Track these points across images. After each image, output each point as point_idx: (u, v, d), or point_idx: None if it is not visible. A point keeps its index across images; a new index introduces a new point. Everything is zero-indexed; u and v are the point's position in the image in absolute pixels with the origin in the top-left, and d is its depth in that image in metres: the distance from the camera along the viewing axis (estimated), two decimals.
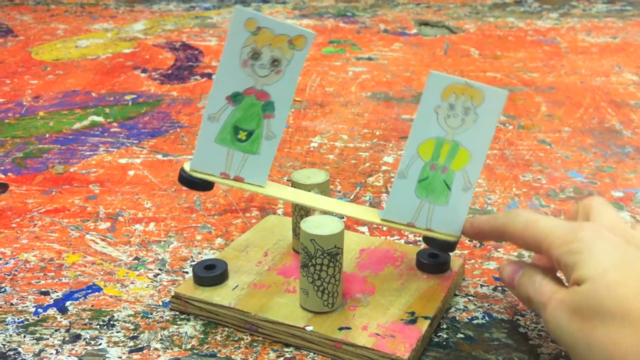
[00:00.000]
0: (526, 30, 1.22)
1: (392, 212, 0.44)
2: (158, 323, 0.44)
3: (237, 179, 0.43)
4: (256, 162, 0.43)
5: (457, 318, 0.45)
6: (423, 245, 0.53)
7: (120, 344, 0.42)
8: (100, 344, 0.42)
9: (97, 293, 0.47)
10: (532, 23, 1.28)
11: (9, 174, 0.65)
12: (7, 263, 0.51)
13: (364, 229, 0.55)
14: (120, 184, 0.63)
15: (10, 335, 0.43)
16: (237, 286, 0.45)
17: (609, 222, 0.38)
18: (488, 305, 0.46)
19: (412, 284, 0.45)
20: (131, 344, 0.42)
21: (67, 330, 0.43)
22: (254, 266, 0.47)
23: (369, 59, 1.04)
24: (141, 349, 0.42)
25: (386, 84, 0.92)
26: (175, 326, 0.44)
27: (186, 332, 0.43)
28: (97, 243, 0.53)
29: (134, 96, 0.87)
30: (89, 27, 1.25)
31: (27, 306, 0.46)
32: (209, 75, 0.95)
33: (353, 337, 0.40)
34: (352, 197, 0.61)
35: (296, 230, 0.49)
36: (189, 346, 0.42)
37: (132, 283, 0.48)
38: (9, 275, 0.49)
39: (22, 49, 1.10)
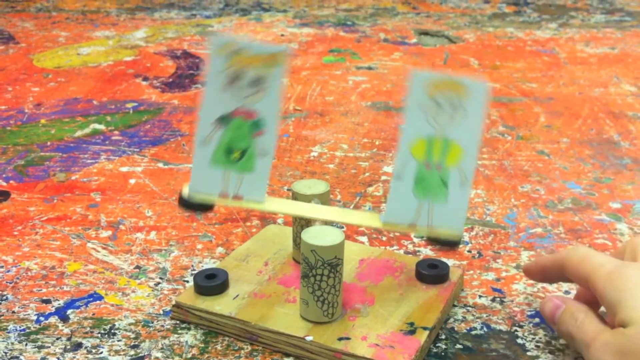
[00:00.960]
0: (525, 40, 1.23)
1: (393, 215, 0.44)
2: (159, 332, 0.44)
3: (236, 197, 0.44)
4: (253, 180, 0.43)
5: (456, 329, 0.45)
6: (422, 256, 0.53)
7: (121, 353, 0.42)
8: (102, 353, 0.42)
9: (98, 301, 0.47)
10: (531, 33, 1.28)
11: (11, 181, 0.66)
12: (9, 271, 0.51)
13: (364, 239, 0.56)
14: (121, 192, 0.64)
15: (12, 343, 0.43)
16: (237, 295, 0.45)
17: None
18: (486, 316, 0.46)
19: (411, 295, 0.46)
20: (132, 352, 0.42)
21: (69, 339, 0.43)
22: (255, 275, 0.48)
23: (369, 68, 1.05)
24: (142, 358, 0.42)
25: (386, 93, 0.93)
26: (176, 335, 0.44)
27: (187, 341, 0.43)
28: (98, 251, 0.54)
29: (135, 104, 0.88)
30: (91, 35, 1.25)
31: (28, 314, 0.46)
32: None
33: (352, 347, 0.40)
34: (352, 207, 0.61)
35: (297, 240, 0.49)
36: (189, 355, 0.42)
37: (133, 292, 0.49)
38: (10, 283, 0.49)
39: (24, 56, 1.10)
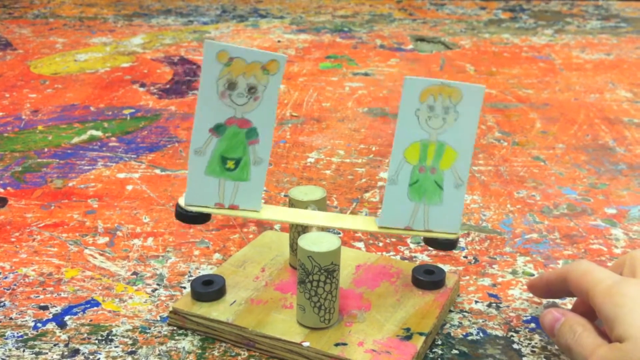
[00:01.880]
0: (521, 46, 1.24)
1: (388, 218, 0.44)
2: (156, 338, 0.44)
3: (232, 207, 0.44)
4: (248, 188, 0.43)
5: (452, 334, 0.45)
6: (419, 262, 0.53)
7: (119, 359, 0.42)
8: (99, 359, 0.42)
9: (95, 308, 0.48)
10: (527, 39, 1.29)
11: (8, 188, 0.66)
12: (6, 277, 0.51)
13: (360, 244, 0.56)
14: (118, 198, 0.64)
15: (10, 350, 0.43)
16: (234, 302, 0.45)
17: None
18: (482, 322, 0.46)
19: (407, 300, 0.46)
20: (129, 358, 0.42)
21: (66, 345, 0.44)
22: (252, 282, 0.48)
23: (366, 74, 1.05)
24: None
25: (382, 99, 0.93)
26: (173, 341, 0.44)
27: (184, 347, 0.43)
28: (95, 258, 0.54)
29: (132, 110, 0.88)
30: (88, 41, 1.25)
31: (26, 320, 0.46)
32: None
33: (349, 352, 0.41)
34: (348, 213, 0.62)
35: (293, 246, 0.49)
36: None
37: (130, 298, 0.49)
38: (8, 289, 0.50)
39: (21, 63, 1.11)
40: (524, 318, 0.47)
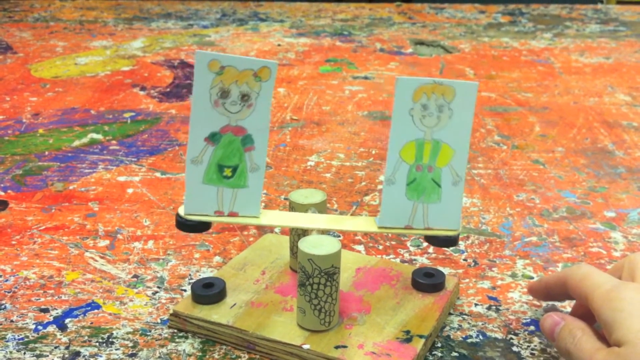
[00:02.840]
0: (520, 50, 1.24)
1: (388, 218, 0.44)
2: (156, 340, 0.44)
3: (232, 214, 0.44)
4: (246, 195, 0.44)
5: (452, 337, 0.45)
6: (418, 264, 0.54)
7: None
8: None
9: (96, 310, 0.48)
10: (526, 43, 1.29)
11: (9, 191, 0.66)
12: (7, 280, 0.51)
13: (361, 247, 0.56)
14: (119, 201, 0.64)
15: (11, 352, 0.43)
16: (235, 304, 0.45)
17: None
18: (482, 324, 0.46)
19: (407, 303, 0.46)
20: None
21: (67, 348, 0.44)
22: (252, 284, 0.48)
23: (366, 77, 1.05)
24: None
25: (382, 103, 0.94)
26: (174, 344, 0.44)
27: (184, 350, 0.44)
28: (96, 260, 0.54)
29: (133, 114, 0.88)
30: (88, 45, 1.26)
31: (27, 323, 0.46)
32: None
33: (349, 355, 0.41)
34: (348, 216, 0.62)
35: (293, 249, 0.50)
36: None
37: (131, 301, 0.49)
38: (9, 292, 0.50)
39: (22, 66, 1.11)
40: (524, 321, 0.47)
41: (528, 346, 0.44)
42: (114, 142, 0.79)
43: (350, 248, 0.56)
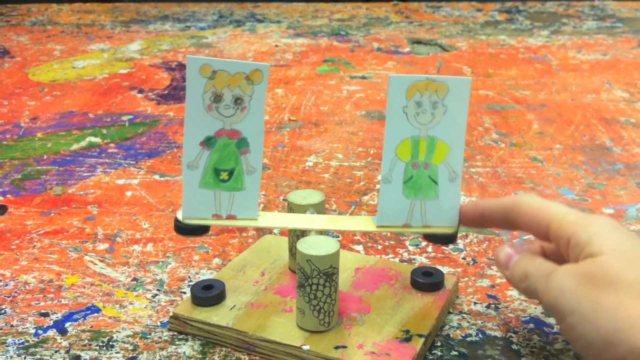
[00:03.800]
0: (517, 47, 1.24)
1: (386, 217, 0.44)
2: (157, 343, 0.45)
3: (230, 217, 0.44)
4: (244, 198, 0.44)
5: (451, 335, 0.45)
6: (417, 264, 0.54)
7: None
8: None
9: (96, 314, 0.48)
10: (523, 41, 1.29)
11: (8, 195, 0.66)
12: (7, 285, 0.51)
13: (359, 247, 0.56)
14: (118, 204, 0.64)
15: (11, 357, 0.43)
16: (234, 306, 0.45)
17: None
18: (481, 323, 0.47)
19: (406, 303, 0.46)
20: None
21: (67, 352, 0.44)
22: (251, 286, 0.48)
23: (363, 77, 1.05)
24: None
25: (380, 102, 0.94)
26: (174, 346, 0.44)
27: (184, 353, 0.44)
28: (95, 264, 0.54)
29: (131, 117, 0.88)
30: (86, 48, 1.26)
31: (27, 328, 0.46)
32: None
33: (349, 355, 0.41)
34: (347, 216, 0.62)
35: (292, 250, 0.50)
36: None
37: (130, 304, 0.49)
38: (8, 297, 0.50)
39: (19, 70, 1.11)
40: (523, 319, 0.47)
41: (527, 344, 0.44)
42: (112, 145, 0.79)
43: (349, 248, 0.56)
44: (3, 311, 0.48)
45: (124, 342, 0.45)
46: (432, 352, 0.44)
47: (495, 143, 0.79)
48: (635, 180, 0.68)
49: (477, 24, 1.45)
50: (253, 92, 0.42)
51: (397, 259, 0.55)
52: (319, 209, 0.47)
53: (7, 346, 0.44)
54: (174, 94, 0.98)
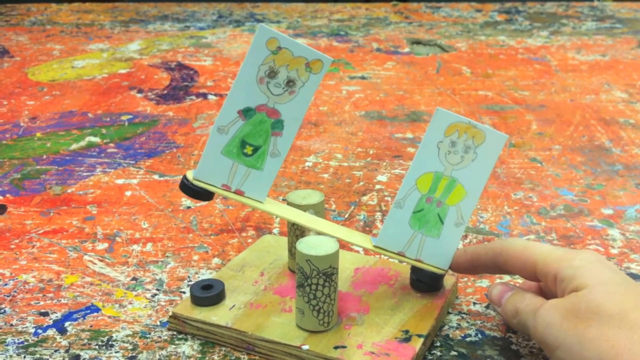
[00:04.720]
0: (517, 48, 1.24)
1: (385, 240, 0.45)
2: (156, 343, 0.45)
3: (238, 192, 0.44)
4: (258, 178, 0.44)
5: (451, 336, 0.45)
6: None
7: None
8: None
9: (95, 313, 0.48)
10: (522, 41, 1.29)
11: (7, 195, 0.66)
12: (6, 284, 0.51)
13: (359, 247, 0.56)
14: (117, 204, 0.64)
15: (11, 356, 0.43)
16: (234, 306, 0.45)
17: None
18: (481, 323, 0.47)
19: (406, 303, 0.46)
20: None
21: (67, 351, 0.44)
22: (251, 286, 0.48)
23: (363, 77, 1.06)
24: None
25: (379, 102, 0.94)
26: (173, 346, 0.44)
27: (184, 352, 0.44)
28: (95, 264, 0.54)
29: (130, 117, 0.88)
30: (85, 48, 1.26)
31: (26, 327, 0.46)
32: (205, 95, 0.97)
33: (348, 355, 0.41)
34: (346, 216, 0.62)
35: (292, 250, 0.50)
36: None
37: (130, 303, 0.49)
38: (8, 296, 0.50)
39: (19, 70, 1.11)
40: None
41: (526, 344, 0.44)
42: (111, 145, 0.79)
43: (349, 248, 0.56)
44: (2, 310, 0.48)
45: (123, 341, 0.45)
46: (432, 352, 0.44)
47: None
48: (634, 181, 0.69)
49: (476, 25, 1.45)
50: (307, 80, 0.42)
51: (396, 260, 0.54)
52: (319, 209, 0.48)
53: (7, 345, 0.44)
54: (173, 94, 0.98)
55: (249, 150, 0.43)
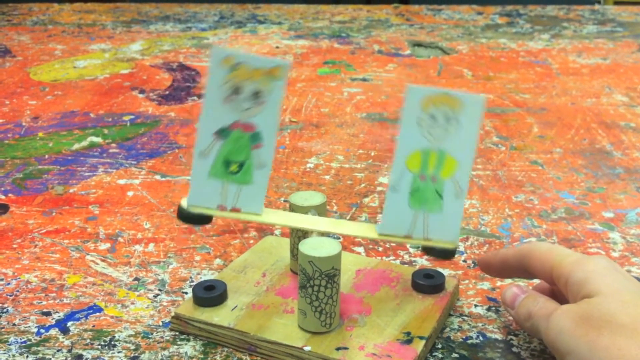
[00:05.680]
0: (518, 51, 1.24)
1: (388, 226, 0.44)
2: (158, 343, 0.45)
3: (234, 209, 0.44)
4: (251, 192, 0.44)
5: (452, 338, 0.46)
6: (418, 266, 0.54)
7: None
8: None
9: (98, 313, 0.48)
10: (523, 44, 1.30)
11: (10, 194, 0.66)
12: (8, 284, 0.51)
13: (360, 249, 0.56)
14: (119, 204, 0.64)
15: (13, 356, 0.43)
16: (236, 307, 0.46)
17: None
18: (482, 325, 0.47)
19: (407, 305, 0.46)
20: None
21: (69, 351, 0.44)
22: (253, 287, 0.48)
23: (364, 79, 1.06)
24: None
25: (381, 104, 0.94)
26: (176, 346, 0.44)
27: (186, 353, 0.44)
28: (97, 264, 0.54)
29: (132, 117, 0.89)
30: (87, 48, 1.26)
31: (29, 327, 0.46)
32: None
33: (350, 357, 0.41)
34: (348, 218, 0.62)
35: (294, 251, 0.50)
36: None
37: (132, 303, 0.49)
38: (10, 295, 0.50)
39: (21, 70, 1.11)
40: None
41: (528, 347, 0.45)
42: (113, 145, 0.79)
43: (351, 250, 0.56)
44: (5, 310, 0.48)
45: (125, 341, 0.45)
46: (433, 354, 0.44)
47: (496, 146, 0.79)
48: (635, 184, 0.69)
49: (477, 27, 1.45)
50: (272, 88, 0.42)
51: (398, 261, 0.55)
52: (321, 210, 0.48)
53: (9, 345, 0.44)
54: (175, 94, 0.98)
55: (234, 168, 0.43)
